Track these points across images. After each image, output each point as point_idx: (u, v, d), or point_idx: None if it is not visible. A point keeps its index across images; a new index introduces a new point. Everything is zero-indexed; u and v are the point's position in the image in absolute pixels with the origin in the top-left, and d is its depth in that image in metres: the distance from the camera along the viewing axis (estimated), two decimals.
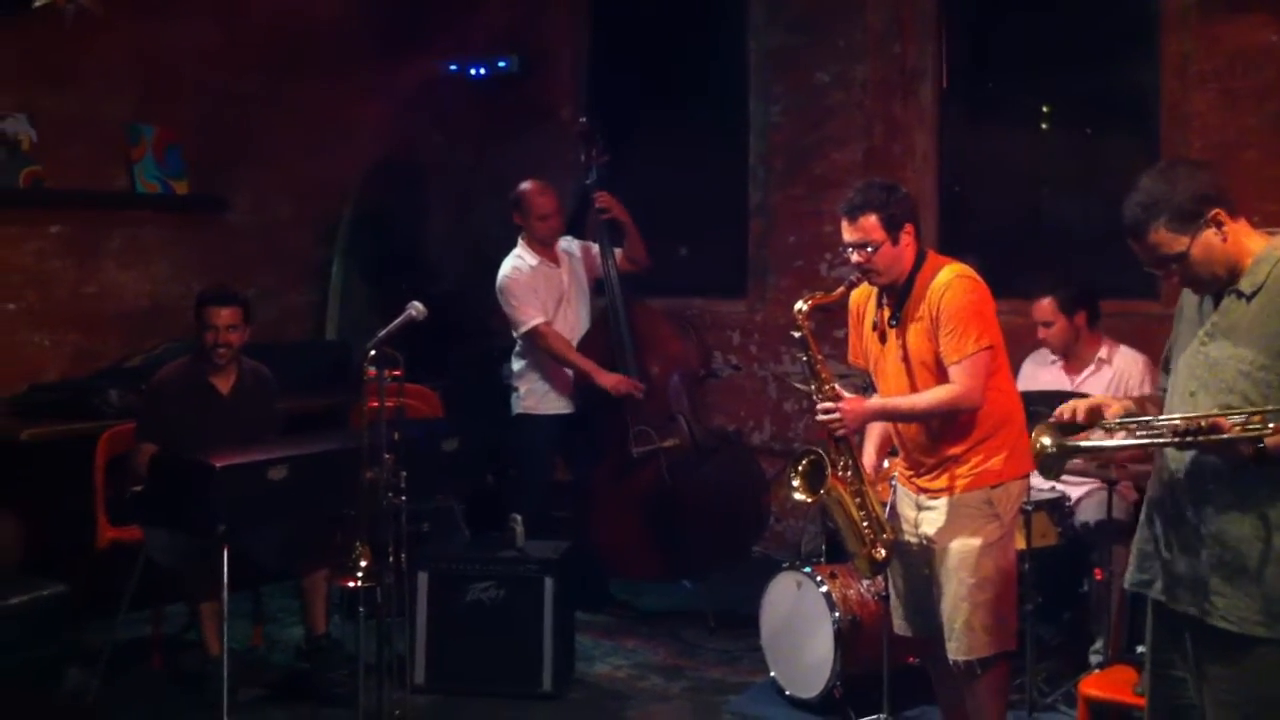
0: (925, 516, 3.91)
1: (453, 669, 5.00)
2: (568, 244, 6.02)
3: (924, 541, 3.91)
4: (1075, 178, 6.25)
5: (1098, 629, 4.78)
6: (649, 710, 4.96)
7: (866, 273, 3.87)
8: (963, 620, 3.84)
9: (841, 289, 3.95)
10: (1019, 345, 5.20)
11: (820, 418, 3.84)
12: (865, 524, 3.87)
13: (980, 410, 3.82)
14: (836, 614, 4.68)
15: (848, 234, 3.86)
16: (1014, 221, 6.47)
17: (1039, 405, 4.52)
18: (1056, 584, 4.89)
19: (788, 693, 4.89)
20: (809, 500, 3.90)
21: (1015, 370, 5.25)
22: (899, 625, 4.11)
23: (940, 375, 3.82)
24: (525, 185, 5.91)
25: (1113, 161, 6.02)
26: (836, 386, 3.88)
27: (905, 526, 3.99)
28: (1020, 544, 4.57)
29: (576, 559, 5.26)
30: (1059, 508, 4.82)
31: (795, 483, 3.89)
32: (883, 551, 3.88)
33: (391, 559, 4.26)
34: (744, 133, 6.94)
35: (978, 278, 3.89)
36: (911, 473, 3.98)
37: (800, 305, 3.87)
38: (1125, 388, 4.91)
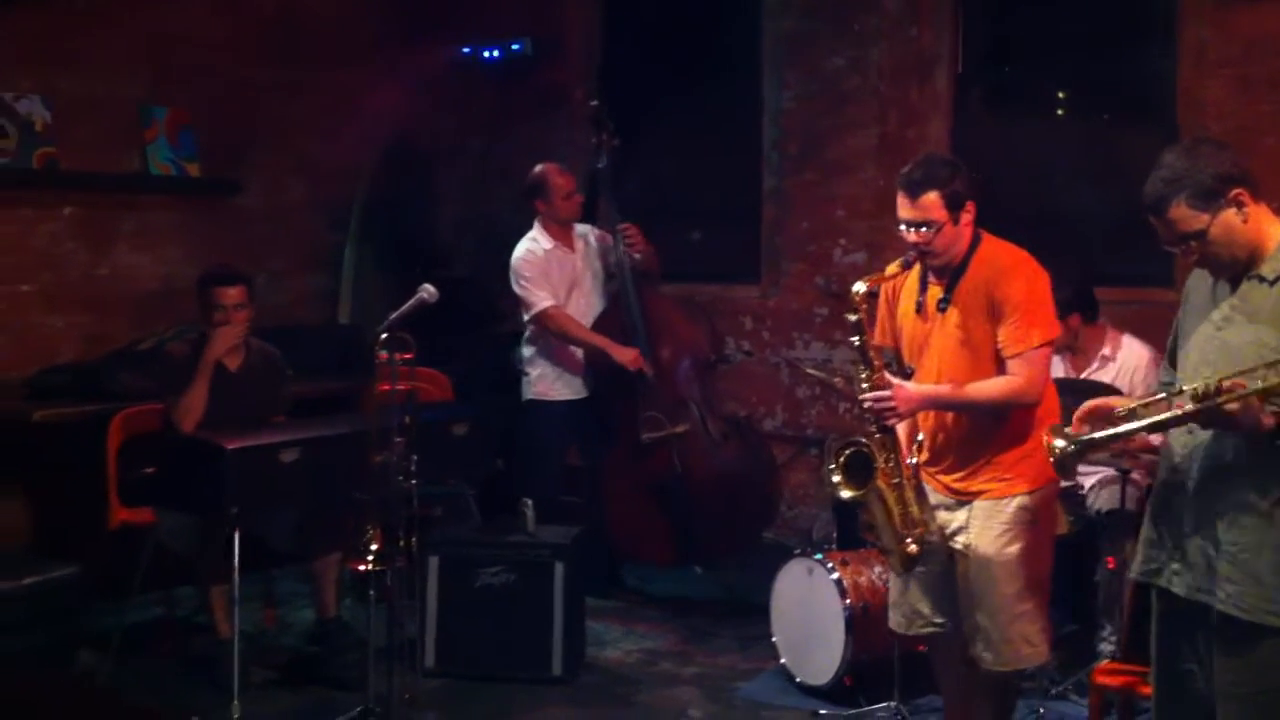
0: (957, 519, 3.75)
1: (463, 653, 5.00)
2: (584, 230, 6.01)
3: (952, 543, 3.76)
4: (1091, 164, 6.21)
5: (1109, 618, 4.77)
6: (659, 695, 4.96)
7: (923, 253, 3.65)
8: (1000, 632, 3.71)
9: (899, 268, 3.68)
10: None
11: (871, 405, 3.62)
12: (902, 519, 3.70)
13: (1028, 409, 3.67)
14: (847, 601, 4.67)
15: (905, 211, 3.64)
16: (1029, 208, 6.43)
17: (1064, 396, 4.52)
18: (1068, 573, 4.86)
19: (798, 679, 4.88)
20: (855, 495, 3.67)
21: None
22: (898, 622, 3.96)
23: (992, 364, 3.65)
24: (543, 168, 5.89)
25: (1129, 148, 5.98)
26: (887, 374, 3.67)
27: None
28: None
29: (587, 544, 5.26)
30: (1071, 496, 4.80)
31: (836, 477, 3.67)
32: (915, 547, 3.71)
33: (402, 543, 4.27)
34: (757, 117, 6.90)
35: (1040, 266, 3.73)
36: (938, 469, 3.80)
37: (859, 286, 3.63)
38: (1131, 382, 4.86)
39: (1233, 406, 2.74)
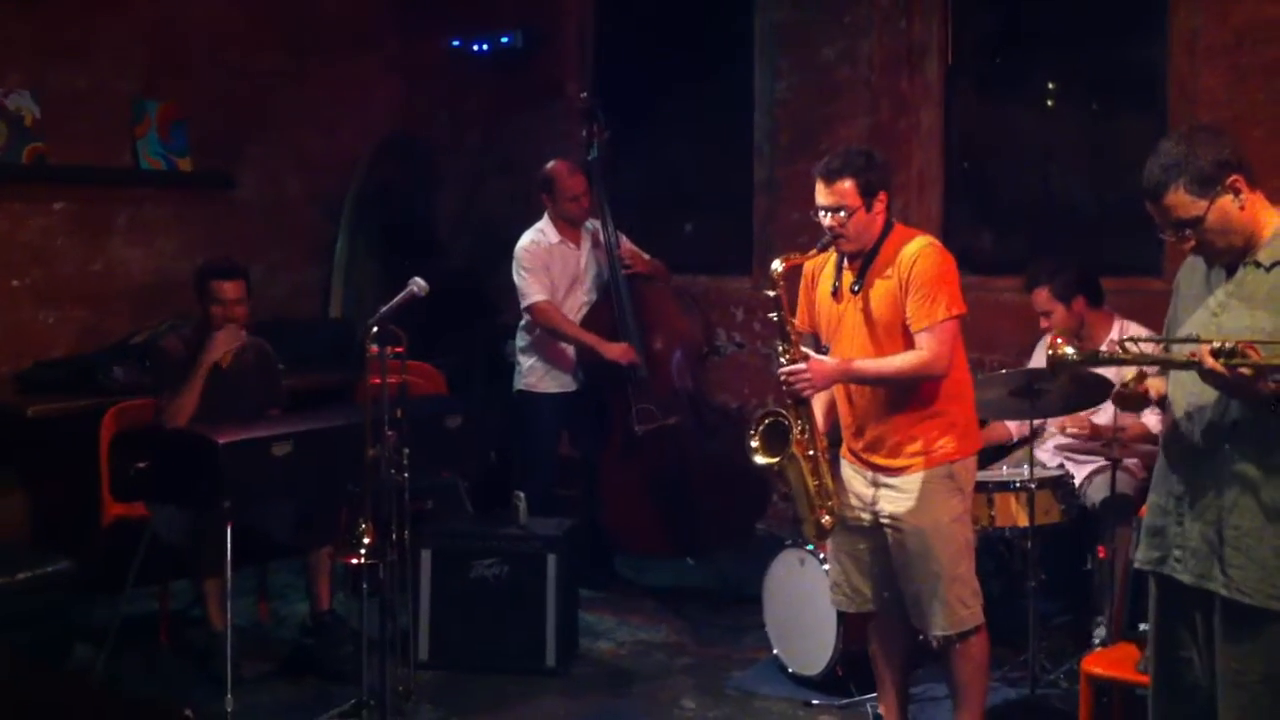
0: (885, 494, 3.93)
1: (456, 645, 5.02)
2: (591, 226, 6.00)
3: (882, 518, 3.93)
4: (1082, 154, 6.22)
5: (1101, 607, 4.78)
6: (652, 686, 4.97)
7: (837, 237, 3.87)
8: (940, 597, 3.88)
9: (815, 250, 3.94)
10: (1030, 326, 5.19)
11: (786, 376, 3.82)
12: (816, 489, 3.88)
13: (939, 382, 3.86)
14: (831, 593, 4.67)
15: (822, 197, 3.88)
16: (1021, 198, 6.44)
17: (1043, 382, 4.54)
18: (1060, 562, 4.88)
19: (790, 670, 4.90)
20: (770, 462, 3.88)
21: (1028, 355, 5.26)
22: (839, 601, 4.16)
23: (901, 342, 3.84)
24: (554, 166, 5.86)
25: (1120, 137, 5.99)
26: (803, 348, 3.88)
27: (855, 503, 4.00)
28: (1023, 521, 4.60)
29: (580, 536, 5.27)
30: (1063, 485, 4.81)
31: (754, 444, 3.88)
32: (828, 518, 3.90)
33: (395, 536, 4.28)
34: (749, 108, 6.90)
35: (945, 249, 3.93)
36: (860, 447, 3.98)
37: (776, 265, 3.87)
38: (1139, 369, 4.84)
39: (1246, 371, 2.77)
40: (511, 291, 5.88)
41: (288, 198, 7.18)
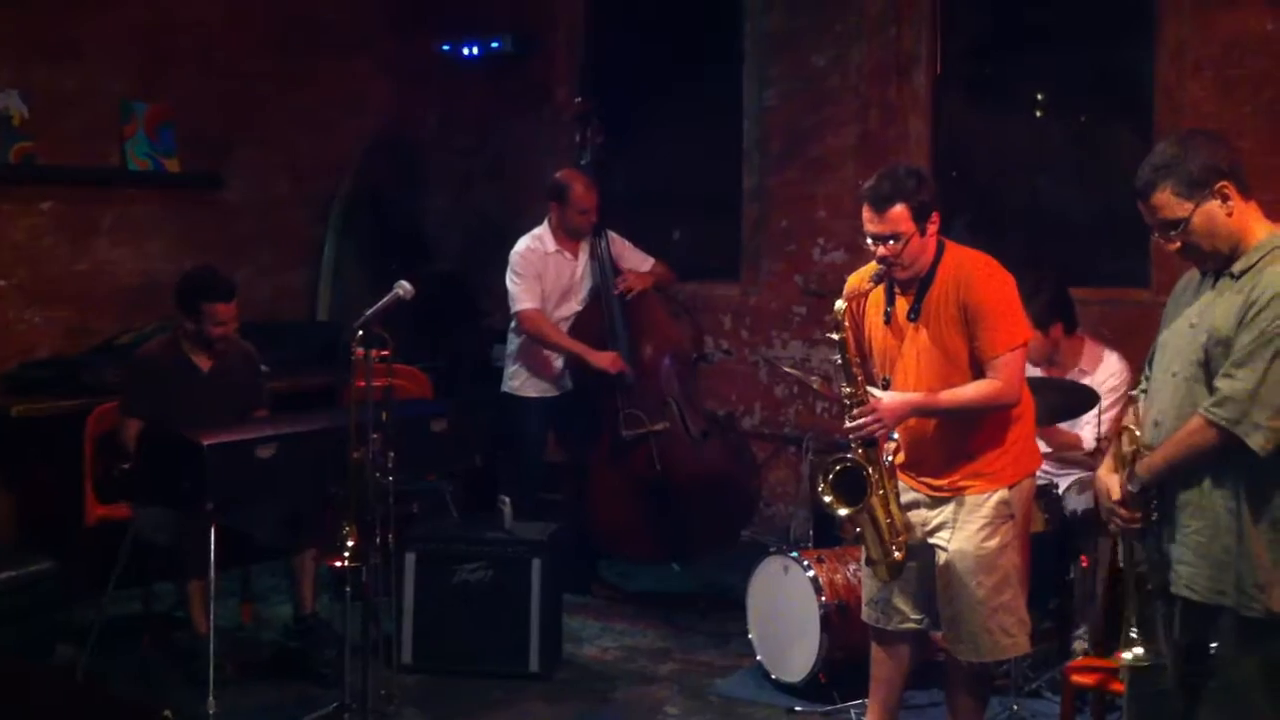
0: (937, 516, 3.79)
1: (440, 649, 5.01)
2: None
3: (930, 540, 3.81)
4: (1070, 164, 6.24)
5: (1083, 616, 4.78)
6: (636, 692, 4.97)
7: (891, 265, 3.66)
8: (980, 623, 3.76)
9: (870, 284, 3.73)
10: None
11: (856, 423, 3.66)
12: (889, 527, 3.75)
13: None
14: (823, 598, 4.68)
15: (873, 225, 3.65)
16: (1009, 207, 6.46)
17: (1040, 392, 4.54)
18: (1043, 571, 4.87)
19: (774, 676, 4.90)
20: (851, 513, 3.71)
21: None
22: (875, 618, 3.99)
23: (968, 369, 3.70)
24: (568, 175, 5.82)
25: (1107, 148, 6.01)
26: (870, 389, 3.71)
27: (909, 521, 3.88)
28: None
29: (565, 540, 5.27)
30: (1047, 495, 4.81)
31: (828, 497, 3.72)
32: (900, 554, 3.78)
33: (379, 539, 4.28)
34: (739, 115, 6.92)
35: (1003, 269, 3.76)
36: (915, 469, 3.84)
37: (840, 305, 3.68)
38: (1105, 399, 4.83)
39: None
40: (500, 295, 5.88)
41: (276, 199, 7.17)
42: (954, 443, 3.77)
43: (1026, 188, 6.43)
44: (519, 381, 5.86)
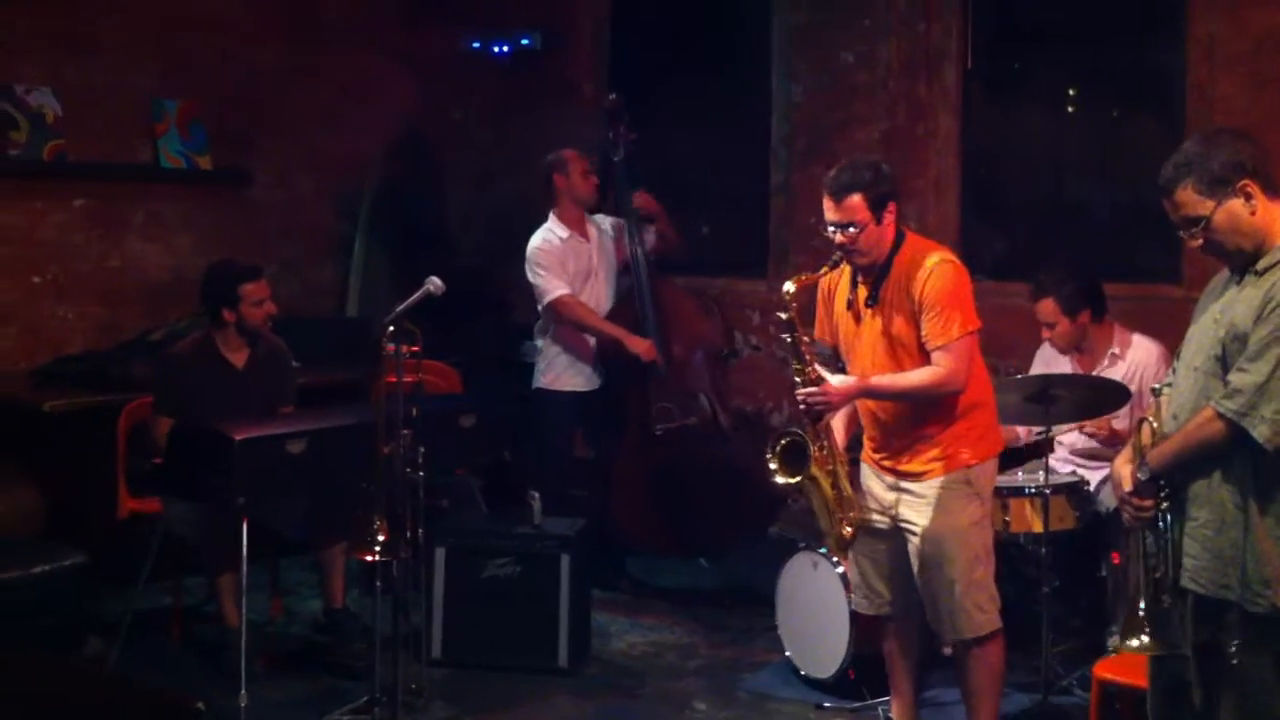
0: (904, 500, 3.95)
1: (469, 644, 5.02)
2: (599, 220, 6.00)
3: (900, 523, 3.96)
4: (1100, 160, 6.21)
5: (1115, 613, 4.76)
6: (664, 687, 4.97)
7: (849, 253, 3.88)
8: (957, 601, 3.90)
9: (826, 268, 3.97)
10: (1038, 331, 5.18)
11: (803, 398, 3.84)
12: (836, 501, 3.92)
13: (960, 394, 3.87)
14: (851, 595, 4.67)
15: (832, 213, 3.87)
16: (1038, 203, 6.43)
17: (1059, 389, 4.54)
18: (1074, 567, 4.87)
19: (803, 672, 4.90)
20: (791, 482, 3.91)
21: (1029, 360, 5.25)
22: (859, 604, 4.21)
23: (918, 356, 3.85)
24: (557, 151, 5.88)
25: (1138, 144, 5.98)
26: (818, 367, 3.89)
27: (875, 506, 4.03)
28: (1038, 526, 4.59)
29: (594, 536, 5.27)
30: (1078, 491, 4.80)
31: (774, 465, 3.91)
32: (849, 529, 3.94)
33: (409, 534, 4.29)
34: (766, 111, 6.90)
35: (959, 262, 3.93)
36: (881, 454, 4.01)
37: (789, 286, 3.88)
38: (1141, 380, 4.83)
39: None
40: (524, 291, 5.89)
41: (302, 195, 7.21)
42: (914, 426, 3.92)
43: (1057, 183, 6.40)
44: (553, 375, 5.85)
